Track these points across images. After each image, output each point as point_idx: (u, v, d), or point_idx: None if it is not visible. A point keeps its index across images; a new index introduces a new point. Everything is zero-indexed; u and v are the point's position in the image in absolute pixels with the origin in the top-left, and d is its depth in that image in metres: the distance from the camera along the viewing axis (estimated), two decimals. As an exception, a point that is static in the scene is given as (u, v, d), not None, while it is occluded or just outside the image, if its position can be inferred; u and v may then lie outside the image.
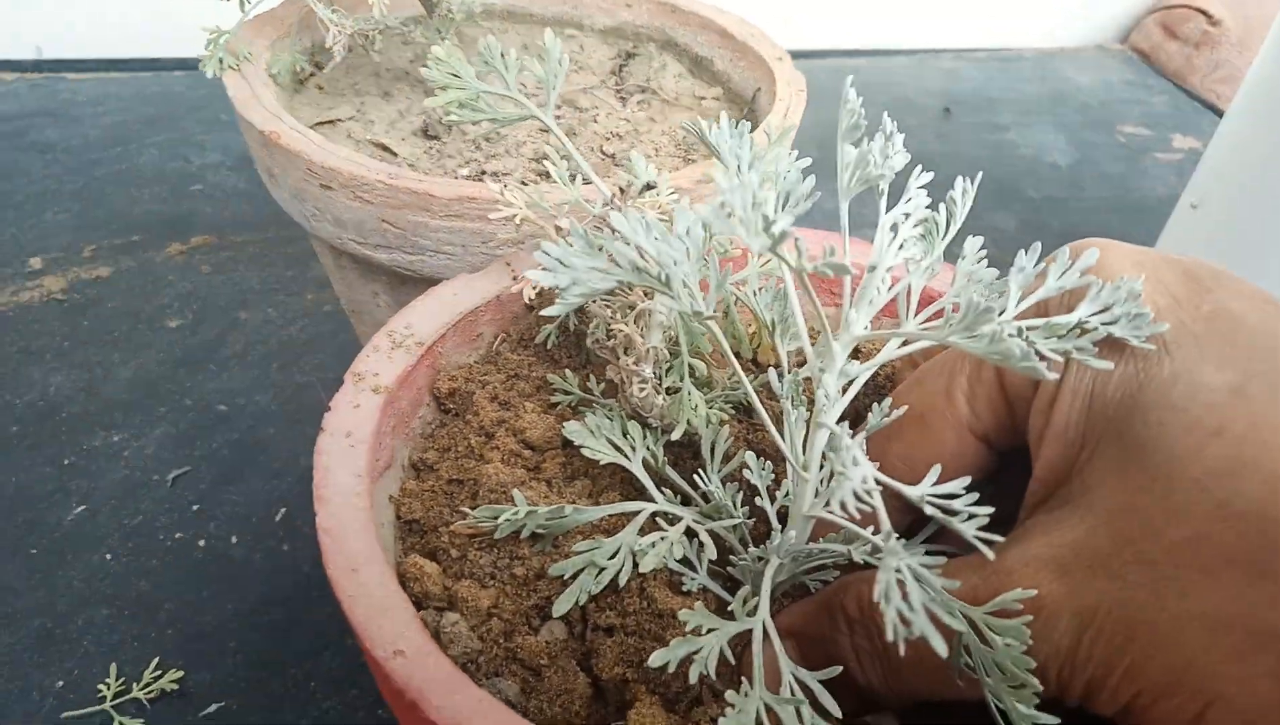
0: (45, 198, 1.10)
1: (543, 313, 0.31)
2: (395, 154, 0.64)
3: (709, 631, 0.31)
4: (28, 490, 0.77)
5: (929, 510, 0.26)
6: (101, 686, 0.64)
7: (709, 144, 0.32)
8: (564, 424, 0.41)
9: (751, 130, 0.34)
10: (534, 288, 0.48)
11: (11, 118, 1.24)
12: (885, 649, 0.32)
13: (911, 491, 0.27)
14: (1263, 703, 0.25)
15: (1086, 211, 1.41)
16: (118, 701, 0.63)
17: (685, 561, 0.37)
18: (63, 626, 0.68)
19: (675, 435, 0.42)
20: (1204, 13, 1.77)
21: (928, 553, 0.29)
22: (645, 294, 0.42)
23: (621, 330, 0.42)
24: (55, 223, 1.07)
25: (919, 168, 0.34)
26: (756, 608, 0.33)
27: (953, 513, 0.27)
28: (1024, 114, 1.69)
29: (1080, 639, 0.27)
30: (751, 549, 0.37)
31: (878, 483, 0.27)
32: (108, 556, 0.73)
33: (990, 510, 0.26)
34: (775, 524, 0.37)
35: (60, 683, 0.64)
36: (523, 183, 0.64)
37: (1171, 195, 1.48)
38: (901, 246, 0.32)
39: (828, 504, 0.34)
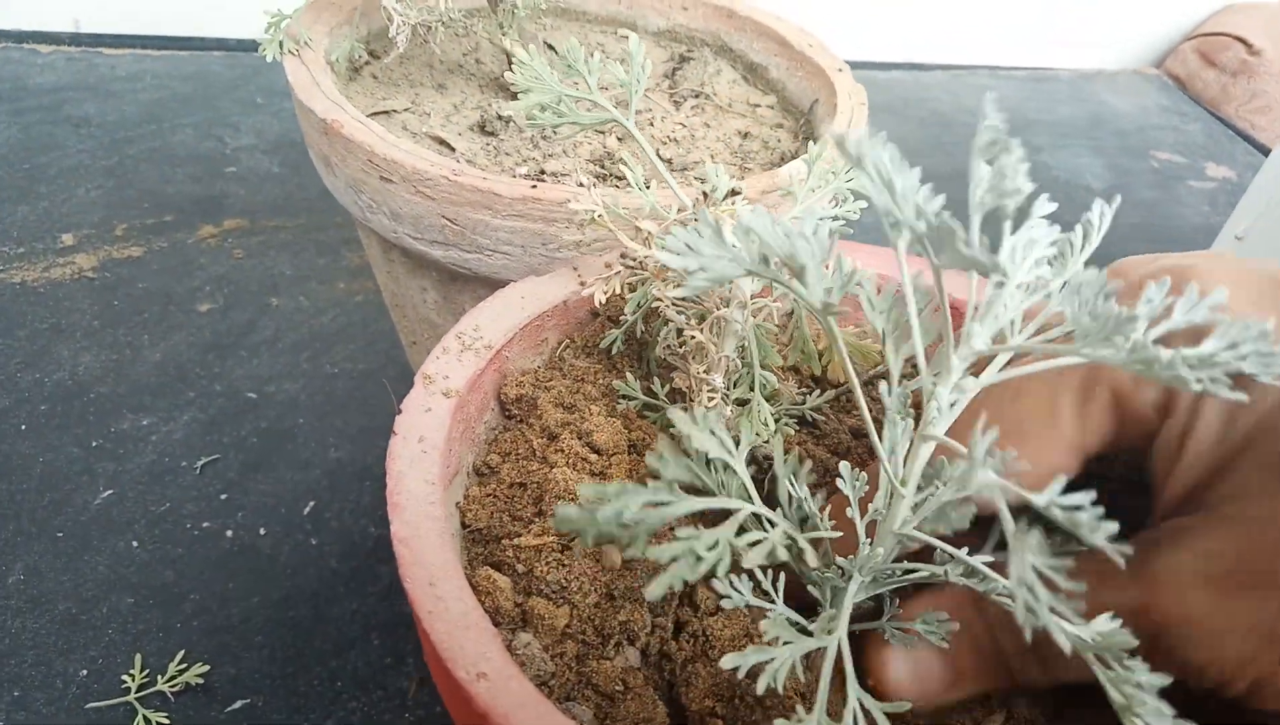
0: (79, 173, 1.09)
1: (672, 295, 0.30)
2: (453, 149, 0.62)
3: (785, 644, 0.30)
4: (55, 471, 0.76)
5: (1058, 518, 0.25)
6: (126, 678, 0.62)
7: (847, 152, 0.31)
8: (667, 411, 0.39)
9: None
10: (604, 292, 0.46)
11: (48, 91, 1.22)
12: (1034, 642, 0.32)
13: (1037, 498, 0.26)
14: None
15: (1120, 238, 1.39)
16: (142, 694, 0.62)
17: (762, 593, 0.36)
18: (87, 613, 0.67)
19: (741, 447, 0.41)
20: (1244, 41, 1.75)
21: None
22: (720, 302, 0.40)
23: (694, 337, 0.40)
24: (88, 199, 1.05)
25: (1044, 196, 0.33)
26: (835, 627, 0.32)
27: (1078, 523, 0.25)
28: (1059, 136, 1.67)
29: (1243, 645, 0.29)
30: (837, 560, 0.36)
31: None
32: (134, 543, 0.72)
33: (1116, 526, 0.25)
34: (863, 538, 0.36)
35: (84, 671, 0.63)
36: (580, 185, 0.62)
37: (1205, 224, 1.47)
38: (1035, 264, 0.31)
39: (920, 523, 0.33)
